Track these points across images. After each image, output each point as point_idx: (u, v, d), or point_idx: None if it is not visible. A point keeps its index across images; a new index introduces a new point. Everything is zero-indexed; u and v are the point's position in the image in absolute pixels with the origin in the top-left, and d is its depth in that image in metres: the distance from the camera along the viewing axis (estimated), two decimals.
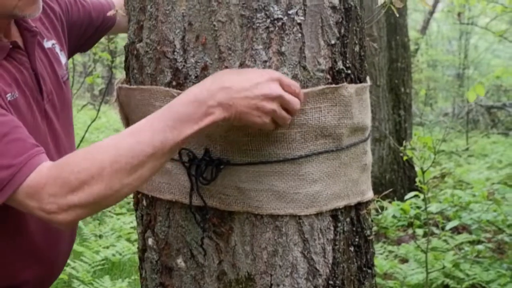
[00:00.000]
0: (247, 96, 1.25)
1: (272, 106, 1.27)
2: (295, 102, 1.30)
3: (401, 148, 3.58)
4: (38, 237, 1.63)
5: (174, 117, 1.25)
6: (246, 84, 1.26)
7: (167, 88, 1.38)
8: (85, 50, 2.08)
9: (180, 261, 1.45)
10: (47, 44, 1.71)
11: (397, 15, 2.19)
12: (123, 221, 5.78)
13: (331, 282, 1.43)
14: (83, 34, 1.94)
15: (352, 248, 1.48)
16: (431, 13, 15.83)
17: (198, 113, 1.24)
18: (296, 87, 1.30)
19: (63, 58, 1.76)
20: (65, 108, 1.74)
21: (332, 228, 1.43)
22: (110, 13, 1.84)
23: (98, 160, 1.26)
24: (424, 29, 16.49)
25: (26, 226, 1.60)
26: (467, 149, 10.81)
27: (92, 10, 1.93)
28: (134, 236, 5.20)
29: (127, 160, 1.25)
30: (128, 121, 1.52)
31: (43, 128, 1.62)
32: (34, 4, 1.54)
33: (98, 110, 6.78)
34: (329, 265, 1.43)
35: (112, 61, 6.66)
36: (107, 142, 1.30)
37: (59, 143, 1.68)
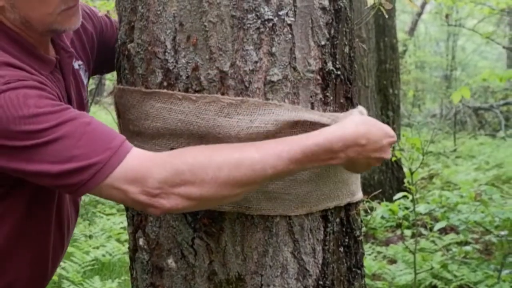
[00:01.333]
0: (370, 156, 1.34)
1: (379, 164, 1.39)
2: None
3: None
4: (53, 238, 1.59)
5: (304, 152, 1.28)
6: (375, 146, 1.34)
7: (172, 92, 1.36)
8: (106, 72, 2.01)
9: (171, 261, 1.45)
10: (75, 64, 1.66)
11: (387, 16, 2.20)
12: (113, 221, 5.78)
13: (321, 282, 1.44)
14: (111, 56, 1.84)
15: (341, 249, 1.48)
16: (419, 14, 15.89)
17: (326, 158, 1.31)
18: None
19: (85, 79, 1.72)
20: None
21: (322, 228, 1.44)
22: (100, 14, 1.83)
23: (216, 162, 1.26)
24: (412, 30, 16.55)
25: (48, 228, 1.56)
26: (454, 150, 10.86)
27: None
28: (124, 236, 5.18)
29: (246, 172, 1.26)
30: (120, 119, 1.52)
31: None
32: (73, 16, 1.48)
33: (88, 111, 6.75)
34: (319, 266, 1.44)
35: None
36: (226, 148, 1.30)
37: None
